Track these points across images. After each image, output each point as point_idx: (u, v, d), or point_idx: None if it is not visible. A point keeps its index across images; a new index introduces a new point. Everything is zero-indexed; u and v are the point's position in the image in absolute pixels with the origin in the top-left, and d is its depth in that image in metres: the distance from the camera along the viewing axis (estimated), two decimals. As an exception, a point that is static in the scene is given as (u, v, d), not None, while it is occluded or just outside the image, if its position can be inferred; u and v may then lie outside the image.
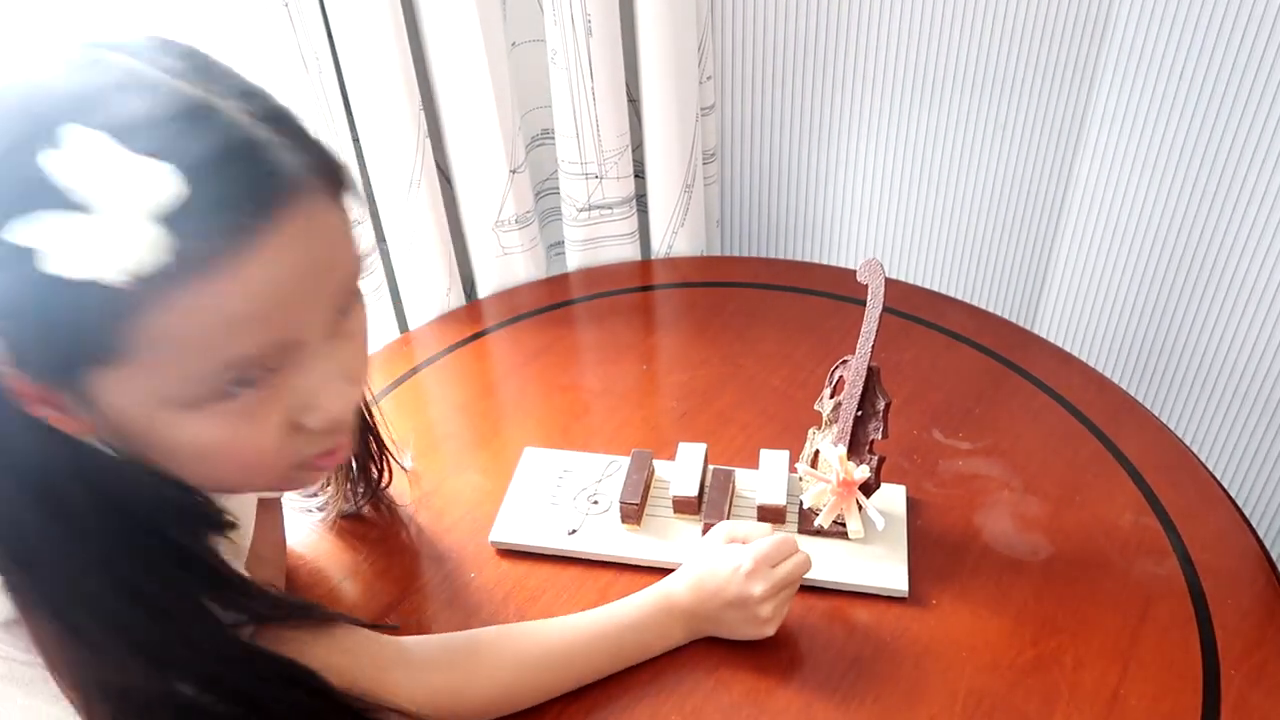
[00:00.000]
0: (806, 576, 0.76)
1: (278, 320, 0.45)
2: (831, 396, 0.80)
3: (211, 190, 0.41)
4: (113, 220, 0.39)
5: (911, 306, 1.04)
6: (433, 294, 1.09)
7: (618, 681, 0.70)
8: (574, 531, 0.81)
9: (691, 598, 0.71)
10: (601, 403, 0.95)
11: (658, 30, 1.05)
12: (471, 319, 1.08)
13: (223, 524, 0.54)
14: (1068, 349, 1.02)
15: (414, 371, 1.01)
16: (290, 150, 0.44)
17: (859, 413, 0.77)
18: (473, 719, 0.66)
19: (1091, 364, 0.99)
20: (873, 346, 0.75)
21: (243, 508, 0.67)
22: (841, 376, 0.78)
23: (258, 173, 0.43)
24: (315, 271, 0.46)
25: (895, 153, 1.24)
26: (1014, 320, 1.10)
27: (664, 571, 0.75)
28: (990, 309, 1.13)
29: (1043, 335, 1.05)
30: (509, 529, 0.81)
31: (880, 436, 0.77)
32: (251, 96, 0.45)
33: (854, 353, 0.76)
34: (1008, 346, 0.99)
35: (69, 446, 0.47)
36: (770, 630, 0.71)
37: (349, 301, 0.50)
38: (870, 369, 0.76)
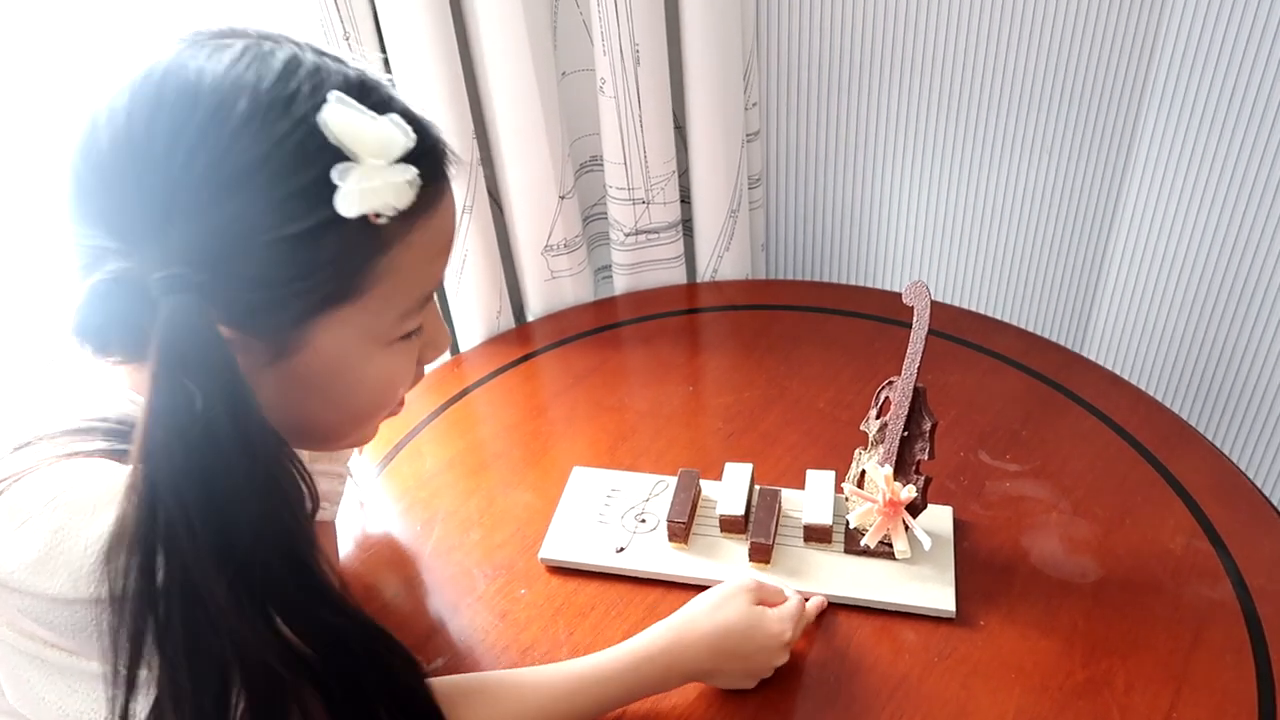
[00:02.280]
0: (854, 595, 0.77)
1: (447, 255, 0.56)
2: (878, 417, 0.80)
3: (426, 138, 0.51)
4: (381, 168, 0.48)
5: (958, 329, 1.04)
6: (483, 316, 1.11)
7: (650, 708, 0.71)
8: (622, 549, 0.82)
9: (710, 660, 0.69)
10: (648, 423, 0.96)
11: (704, 59, 1.07)
12: (521, 341, 1.11)
13: (316, 504, 0.56)
14: (1117, 372, 1.01)
15: (465, 392, 1.03)
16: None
17: (905, 433, 0.77)
18: None
19: (1142, 387, 0.98)
20: (919, 368, 0.76)
21: None
22: (887, 397, 0.79)
23: (434, 128, 0.53)
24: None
25: (940, 176, 1.24)
26: (1062, 343, 1.10)
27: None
28: (1038, 332, 1.12)
29: (1091, 358, 1.04)
30: (558, 546, 0.83)
31: (927, 457, 0.77)
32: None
33: (900, 374, 0.77)
34: (1055, 369, 0.98)
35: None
36: (753, 684, 0.71)
37: None
38: (916, 390, 0.76)
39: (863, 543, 0.78)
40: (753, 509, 0.82)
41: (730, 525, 0.82)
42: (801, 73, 1.21)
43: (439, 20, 0.94)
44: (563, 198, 1.10)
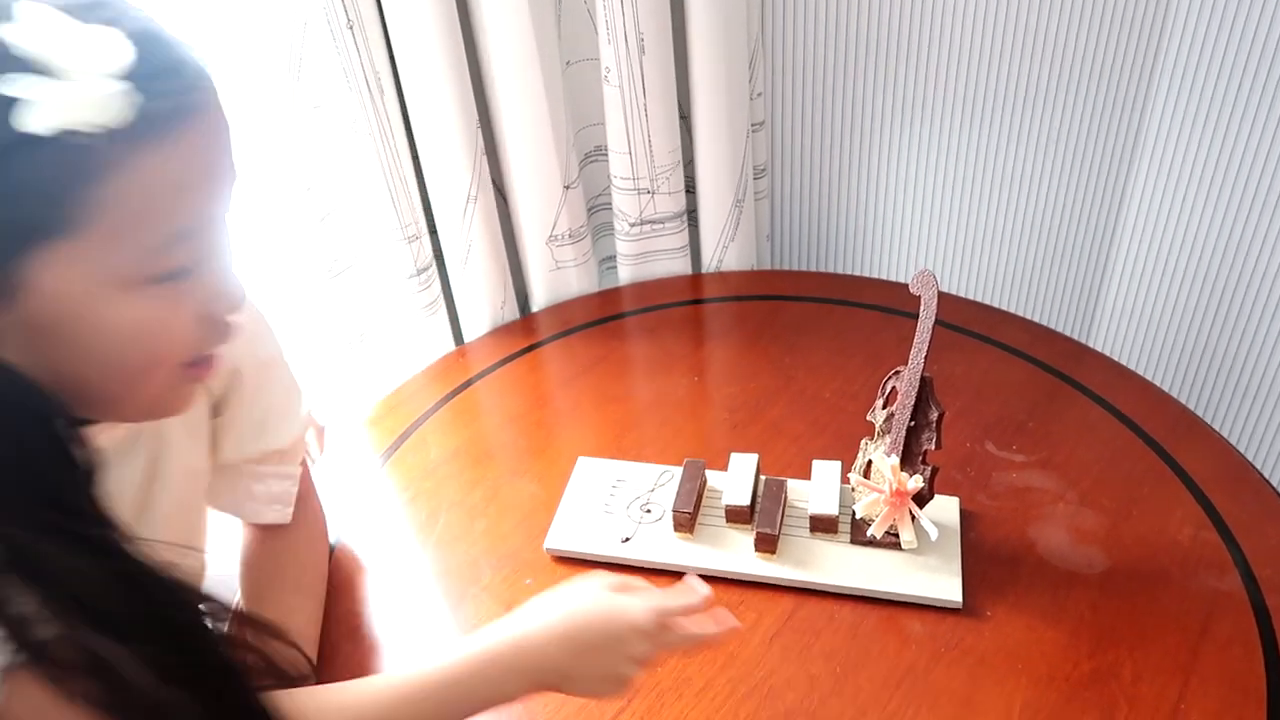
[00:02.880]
0: (860, 586, 0.77)
1: (207, 191, 0.49)
2: (884, 407, 0.80)
3: (161, 58, 0.46)
4: (82, 80, 0.43)
5: (964, 320, 1.04)
6: (488, 307, 1.11)
7: (673, 692, 0.71)
8: (628, 539, 0.82)
9: (563, 656, 0.59)
10: (653, 414, 0.96)
11: (709, 48, 1.06)
12: (526, 332, 1.10)
13: (92, 464, 0.50)
14: (1124, 362, 1.01)
15: (469, 383, 1.03)
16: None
17: (912, 423, 0.77)
18: None
19: (1148, 377, 0.98)
20: (925, 357, 0.75)
21: (189, 516, 0.67)
22: (894, 387, 0.79)
23: (190, 51, 0.48)
24: (229, 150, 0.51)
25: (947, 166, 1.24)
26: (1069, 334, 1.10)
27: (715, 580, 0.75)
28: (1044, 323, 1.12)
29: (1098, 349, 1.04)
30: (564, 536, 0.82)
31: (933, 447, 0.77)
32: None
33: (906, 364, 0.77)
34: (1062, 359, 0.98)
35: None
36: (619, 693, 0.62)
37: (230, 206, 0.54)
38: (923, 379, 0.76)
39: (869, 533, 0.78)
40: (758, 499, 0.82)
41: (736, 515, 0.82)
42: (807, 63, 1.20)
43: (443, 9, 0.94)
44: (567, 188, 1.09)
